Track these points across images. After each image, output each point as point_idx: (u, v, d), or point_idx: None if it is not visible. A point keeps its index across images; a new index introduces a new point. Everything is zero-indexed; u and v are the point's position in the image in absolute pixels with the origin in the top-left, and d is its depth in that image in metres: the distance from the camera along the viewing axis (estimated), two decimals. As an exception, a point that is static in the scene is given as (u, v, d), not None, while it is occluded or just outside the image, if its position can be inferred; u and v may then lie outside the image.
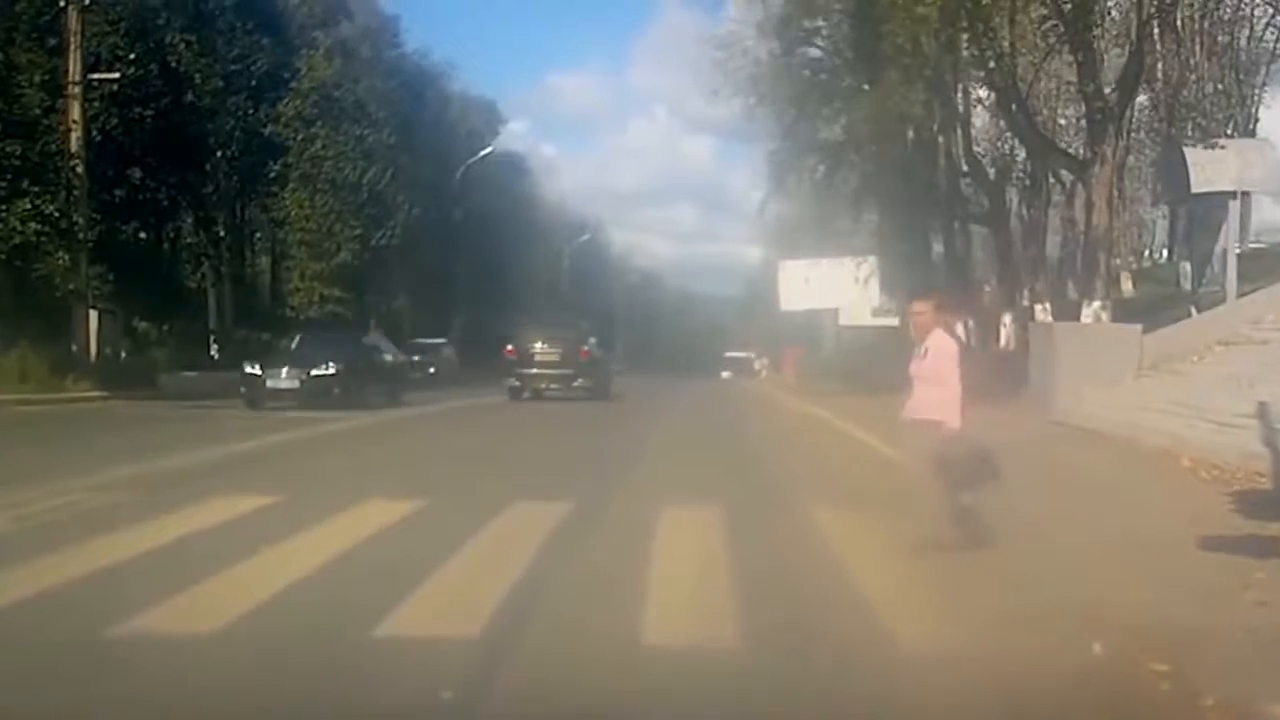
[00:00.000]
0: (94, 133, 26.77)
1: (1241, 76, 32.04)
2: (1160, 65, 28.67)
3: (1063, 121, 33.30)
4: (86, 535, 6.65)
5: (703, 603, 5.42)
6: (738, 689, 4.23)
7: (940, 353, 6.68)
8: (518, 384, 25.55)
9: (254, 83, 36.86)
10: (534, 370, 25.72)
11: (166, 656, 4.42)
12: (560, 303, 56.86)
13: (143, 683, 4.11)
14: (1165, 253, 42.01)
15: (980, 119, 32.49)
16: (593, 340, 28.13)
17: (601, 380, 26.86)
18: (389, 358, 26.39)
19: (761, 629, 4.91)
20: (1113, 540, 6.83)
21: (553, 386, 25.63)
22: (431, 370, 37.32)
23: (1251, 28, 31.62)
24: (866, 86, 25.13)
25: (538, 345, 25.92)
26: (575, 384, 25.58)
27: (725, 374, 52.40)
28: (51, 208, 24.09)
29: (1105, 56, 23.63)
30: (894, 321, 42.22)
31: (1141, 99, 25.98)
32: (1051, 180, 34.98)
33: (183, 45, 33.14)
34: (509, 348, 26.10)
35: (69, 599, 5.27)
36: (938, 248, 35.77)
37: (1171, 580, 5.77)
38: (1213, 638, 4.73)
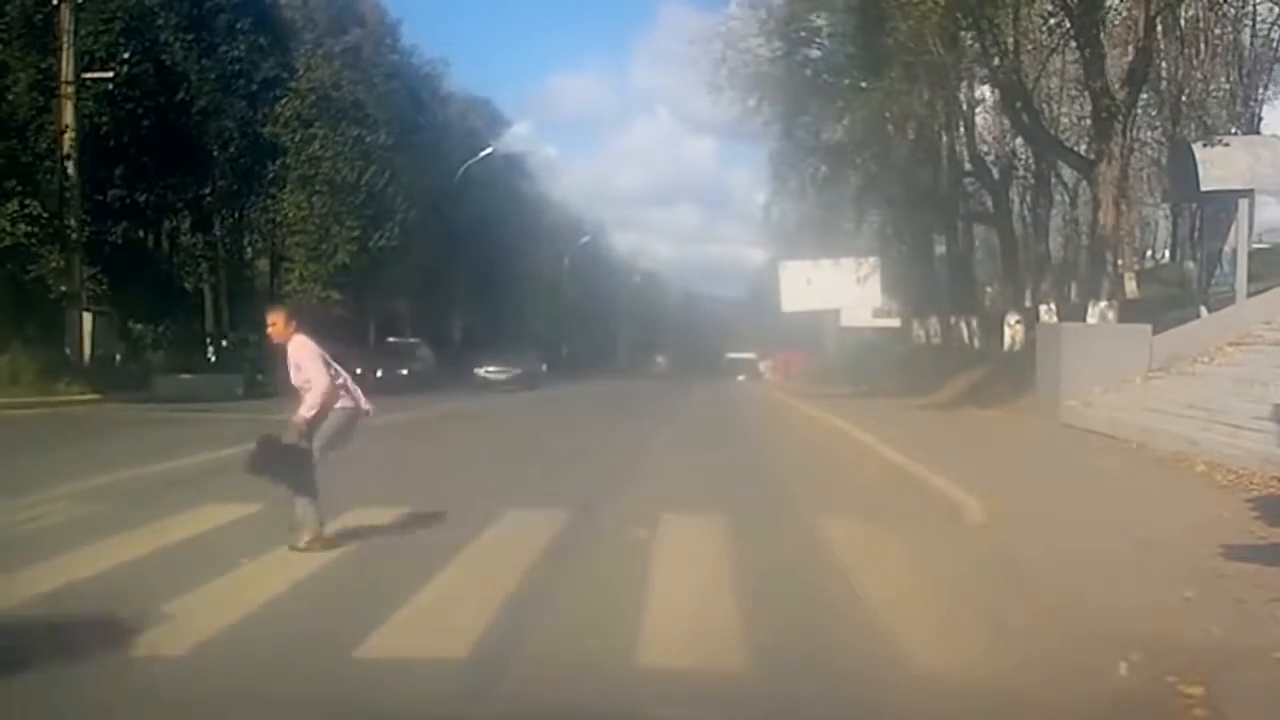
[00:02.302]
0: (86, 132, 26.39)
1: (1245, 77, 31.72)
2: (1164, 63, 28.33)
3: (1067, 121, 32.97)
4: (56, 549, 6.34)
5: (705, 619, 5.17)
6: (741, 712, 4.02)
7: (303, 361, 6.60)
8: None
9: (252, 83, 36.54)
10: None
11: (130, 681, 4.13)
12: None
13: (101, 711, 3.81)
14: (1168, 253, 41.74)
15: (983, 118, 32.22)
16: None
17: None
18: None
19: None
20: (1132, 548, 6.59)
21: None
22: (403, 373, 35.16)
23: (1254, 25, 31.27)
24: (869, 85, 24.87)
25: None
26: None
27: (741, 378, 52.02)
28: (41, 209, 23.79)
29: (1109, 54, 23.31)
30: (895, 323, 42.19)
31: (1143, 97, 25.65)
32: (1054, 180, 34.71)
33: (178, 44, 32.81)
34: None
35: (30, 618, 4.97)
36: (940, 248, 35.56)
37: (1196, 592, 5.54)
38: (1245, 659, 4.48)
